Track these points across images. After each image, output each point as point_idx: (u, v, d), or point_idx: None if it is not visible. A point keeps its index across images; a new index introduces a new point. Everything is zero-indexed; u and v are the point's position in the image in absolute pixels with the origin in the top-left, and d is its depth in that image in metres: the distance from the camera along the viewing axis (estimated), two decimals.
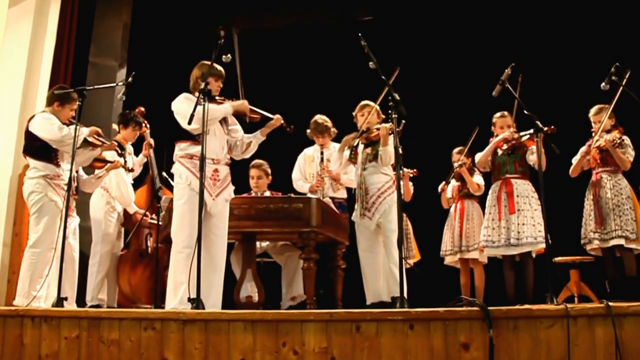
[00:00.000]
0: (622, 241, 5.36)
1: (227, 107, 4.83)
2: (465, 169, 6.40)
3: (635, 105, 5.16)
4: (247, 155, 5.19)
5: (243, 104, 4.91)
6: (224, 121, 4.96)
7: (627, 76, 5.35)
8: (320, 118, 6.38)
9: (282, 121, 5.03)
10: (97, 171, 5.85)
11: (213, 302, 4.50)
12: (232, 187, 4.95)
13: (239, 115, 4.98)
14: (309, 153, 6.50)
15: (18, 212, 6.51)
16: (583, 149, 5.66)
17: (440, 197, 6.74)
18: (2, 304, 6.13)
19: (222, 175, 4.83)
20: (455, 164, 6.49)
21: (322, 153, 6.37)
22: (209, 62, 4.87)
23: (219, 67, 4.88)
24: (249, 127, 5.14)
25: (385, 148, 5.34)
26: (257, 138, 5.08)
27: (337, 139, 5.83)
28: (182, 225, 4.61)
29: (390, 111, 4.45)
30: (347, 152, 5.69)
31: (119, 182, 6.02)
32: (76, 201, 5.74)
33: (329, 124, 6.37)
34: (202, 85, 4.50)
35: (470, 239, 6.22)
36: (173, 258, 4.62)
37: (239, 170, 6.33)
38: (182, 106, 4.74)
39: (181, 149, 4.79)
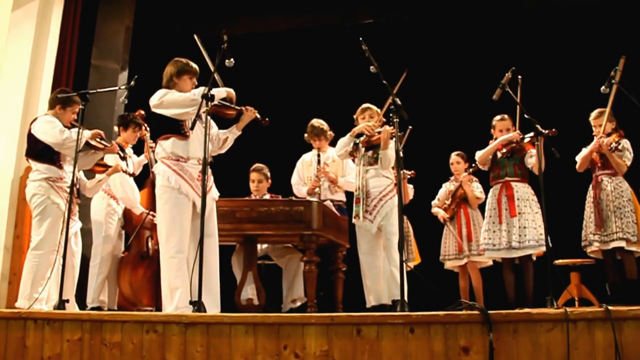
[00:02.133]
0: (622, 243, 5.36)
1: (221, 91, 4.75)
2: (467, 180, 6.47)
3: (635, 107, 5.18)
4: (223, 151, 5.05)
5: (232, 91, 4.83)
6: (201, 120, 4.83)
7: (621, 67, 5.36)
8: (316, 121, 6.40)
9: (257, 114, 4.96)
10: (97, 175, 5.86)
11: (214, 303, 4.47)
12: (214, 186, 4.85)
13: (216, 112, 4.82)
14: (308, 158, 6.52)
15: (19, 215, 6.54)
16: (591, 146, 5.62)
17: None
18: (4, 306, 6.15)
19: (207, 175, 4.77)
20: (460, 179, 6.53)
21: (318, 156, 6.39)
22: (183, 59, 4.84)
23: (194, 65, 4.82)
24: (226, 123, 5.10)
25: (385, 152, 5.34)
26: (233, 133, 4.98)
27: (335, 142, 5.83)
28: (172, 230, 4.53)
29: (391, 115, 4.47)
30: (351, 144, 5.57)
31: (122, 183, 6.01)
32: (78, 205, 5.74)
33: (325, 127, 6.39)
34: (206, 90, 4.49)
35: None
36: (166, 263, 4.53)
37: (238, 173, 6.38)
38: (171, 95, 4.65)
39: (165, 147, 4.67)
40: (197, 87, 4.76)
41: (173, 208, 4.57)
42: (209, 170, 4.76)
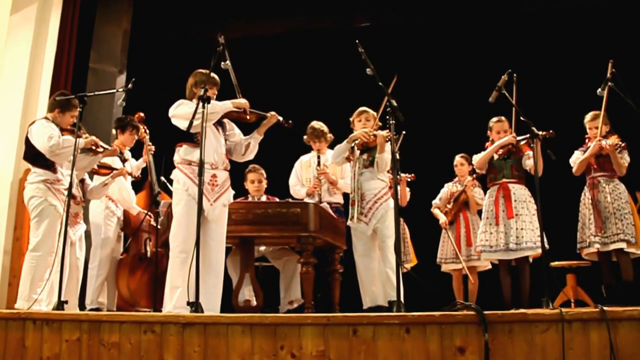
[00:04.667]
0: (623, 245, 5.37)
1: (226, 104, 4.84)
2: (470, 185, 6.49)
3: (631, 110, 5.20)
4: (250, 157, 5.19)
5: (244, 101, 4.91)
6: (221, 127, 4.99)
7: (610, 70, 5.40)
8: (316, 123, 6.43)
9: (279, 117, 5.03)
10: (102, 178, 5.87)
11: (212, 306, 4.51)
12: (231, 192, 4.97)
13: (237, 118, 4.96)
14: (306, 159, 6.55)
15: (19, 217, 6.55)
16: (591, 150, 5.60)
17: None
18: (4, 308, 6.16)
19: (221, 180, 4.86)
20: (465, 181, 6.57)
21: (318, 157, 6.41)
22: (204, 70, 4.93)
23: (214, 75, 4.90)
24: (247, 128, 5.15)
25: (382, 155, 5.36)
26: (255, 138, 5.08)
27: (334, 145, 5.86)
28: (179, 230, 4.66)
29: (387, 117, 4.49)
30: (347, 149, 5.60)
31: (119, 186, 6.05)
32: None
33: (325, 129, 6.42)
34: (202, 92, 4.54)
35: None
36: (170, 262, 4.68)
37: (235, 175, 6.39)
38: (180, 108, 4.80)
39: (180, 154, 4.84)
40: (216, 97, 4.88)
41: (181, 209, 4.71)
42: (226, 175, 4.94)
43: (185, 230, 4.61)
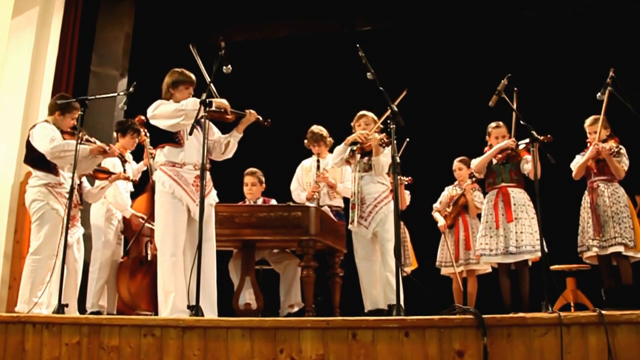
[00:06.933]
0: (621, 248, 5.38)
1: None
2: (470, 188, 6.50)
3: (630, 115, 5.21)
4: (229, 155, 5.08)
5: (225, 102, 4.83)
6: (200, 126, 4.93)
7: (611, 75, 5.42)
8: (316, 128, 6.45)
9: (257, 116, 4.97)
10: (100, 182, 5.89)
11: (208, 307, 4.47)
12: (214, 192, 4.92)
13: (217, 118, 4.87)
14: (307, 164, 6.57)
15: (19, 220, 6.57)
16: (589, 153, 5.62)
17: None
18: (4, 311, 6.17)
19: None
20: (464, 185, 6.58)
21: (318, 162, 6.43)
22: (179, 70, 4.90)
23: (190, 75, 4.88)
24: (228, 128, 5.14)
25: (378, 158, 5.37)
26: (235, 136, 5.01)
27: (334, 149, 5.87)
28: (167, 234, 4.60)
29: (388, 122, 4.49)
30: (346, 152, 5.61)
31: (114, 191, 6.04)
32: (80, 211, 5.77)
33: (325, 133, 6.44)
34: (203, 96, 4.54)
35: None
36: (161, 267, 4.60)
37: (234, 177, 6.41)
38: (160, 108, 4.73)
39: (163, 155, 4.77)
40: (193, 95, 4.82)
41: (167, 212, 4.65)
42: (208, 176, 4.84)
43: (173, 233, 4.59)
